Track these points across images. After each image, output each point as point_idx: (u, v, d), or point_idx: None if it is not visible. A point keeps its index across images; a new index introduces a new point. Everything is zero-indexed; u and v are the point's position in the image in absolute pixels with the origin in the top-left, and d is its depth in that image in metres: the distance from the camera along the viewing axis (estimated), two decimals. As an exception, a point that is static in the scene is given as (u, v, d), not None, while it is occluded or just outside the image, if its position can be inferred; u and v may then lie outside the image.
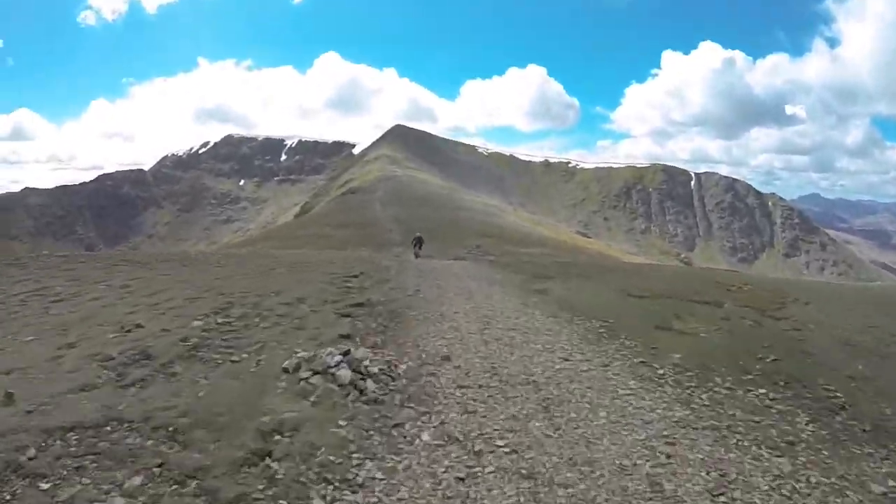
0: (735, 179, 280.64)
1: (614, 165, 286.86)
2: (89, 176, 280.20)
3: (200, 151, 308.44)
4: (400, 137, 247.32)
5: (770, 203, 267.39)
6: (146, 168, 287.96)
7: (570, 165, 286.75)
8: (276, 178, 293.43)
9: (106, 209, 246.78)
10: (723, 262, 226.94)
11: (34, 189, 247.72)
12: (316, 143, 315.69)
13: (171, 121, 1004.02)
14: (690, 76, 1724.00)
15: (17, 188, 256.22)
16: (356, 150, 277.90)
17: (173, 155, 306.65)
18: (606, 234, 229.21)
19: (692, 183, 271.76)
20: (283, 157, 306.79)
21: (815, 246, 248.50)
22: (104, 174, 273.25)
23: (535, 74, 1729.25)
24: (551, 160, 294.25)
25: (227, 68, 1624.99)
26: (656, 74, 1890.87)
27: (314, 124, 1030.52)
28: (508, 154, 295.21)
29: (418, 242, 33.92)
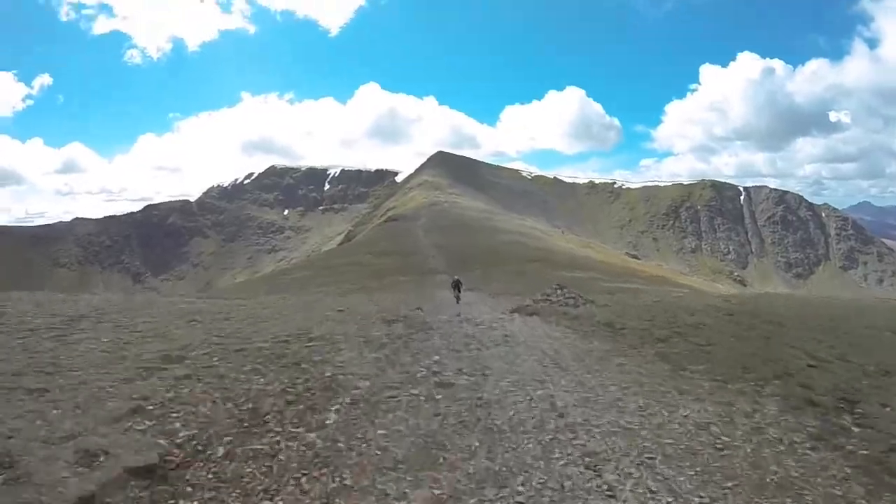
0: (785, 191, 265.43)
1: (660, 184, 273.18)
2: (139, 207, 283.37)
3: (245, 182, 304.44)
4: (442, 164, 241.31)
5: (823, 214, 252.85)
6: (192, 199, 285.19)
7: (615, 186, 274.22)
8: (319, 208, 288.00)
9: (152, 239, 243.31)
10: (778, 280, 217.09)
11: (82, 219, 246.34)
12: (359, 171, 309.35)
13: (218, 153, 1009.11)
14: (730, 89, 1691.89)
15: (69, 219, 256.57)
16: (399, 178, 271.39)
17: (219, 186, 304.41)
18: (656, 255, 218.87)
19: (741, 198, 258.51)
20: (327, 186, 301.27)
21: (871, 257, 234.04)
22: (150, 205, 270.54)
23: (573, 96, 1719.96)
24: (596, 181, 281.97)
25: (270, 101, 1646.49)
26: (695, 89, 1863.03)
27: (356, 154, 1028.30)
28: (552, 177, 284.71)
29: (457, 286, 29.39)
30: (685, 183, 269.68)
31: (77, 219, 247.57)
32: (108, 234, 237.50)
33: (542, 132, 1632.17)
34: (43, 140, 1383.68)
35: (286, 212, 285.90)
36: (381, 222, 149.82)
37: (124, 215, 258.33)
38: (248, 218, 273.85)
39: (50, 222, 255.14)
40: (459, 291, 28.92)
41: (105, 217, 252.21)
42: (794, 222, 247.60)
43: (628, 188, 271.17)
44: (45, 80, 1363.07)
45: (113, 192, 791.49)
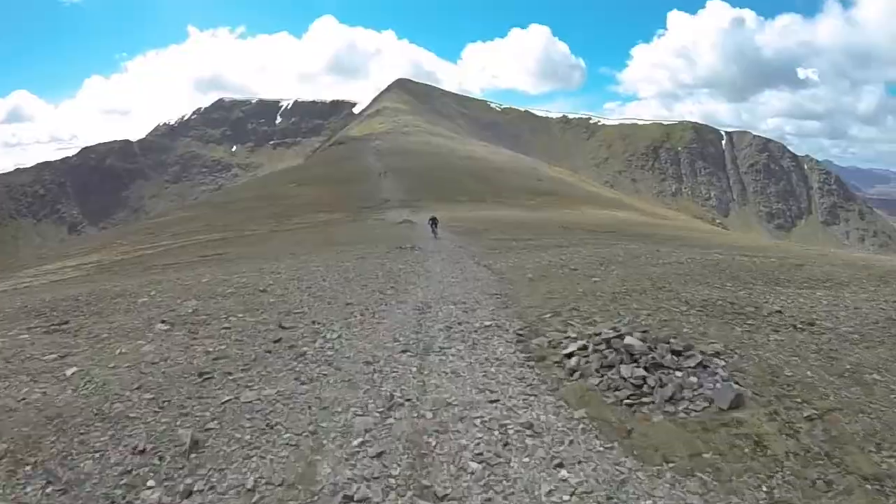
0: (769, 140, 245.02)
1: (638, 122, 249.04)
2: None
3: (192, 118, 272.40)
4: (403, 91, 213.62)
5: (805, 166, 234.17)
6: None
7: (590, 122, 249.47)
8: (270, 143, 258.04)
9: (90, 184, 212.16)
10: (760, 231, 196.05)
11: (19, 169, 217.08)
12: (314, 102, 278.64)
13: (169, 93, 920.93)
14: (698, 36, 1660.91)
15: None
16: (357, 110, 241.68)
17: (164, 124, 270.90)
18: (635, 196, 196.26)
19: (723, 142, 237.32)
20: (279, 119, 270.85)
21: (853, 214, 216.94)
22: (87, 147, 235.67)
23: (538, 34, 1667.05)
24: (570, 116, 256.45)
25: (220, 36, 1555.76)
26: (662, 34, 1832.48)
27: (313, 90, 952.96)
28: (523, 110, 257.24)
29: (434, 222, 28.51)
30: (665, 123, 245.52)
31: (16, 169, 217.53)
32: (42, 182, 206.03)
33: (506, 71, 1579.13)
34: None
35: (234, 148, 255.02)
36: (326, 147, 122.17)
37: (58, 161, 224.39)
38: (192, 156, 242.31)
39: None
40: (437, 227, 28.24)
41: (37, 164, 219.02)
42: (777, 172, 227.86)
43: (605, 125, 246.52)
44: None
45: (64, 139, 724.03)
